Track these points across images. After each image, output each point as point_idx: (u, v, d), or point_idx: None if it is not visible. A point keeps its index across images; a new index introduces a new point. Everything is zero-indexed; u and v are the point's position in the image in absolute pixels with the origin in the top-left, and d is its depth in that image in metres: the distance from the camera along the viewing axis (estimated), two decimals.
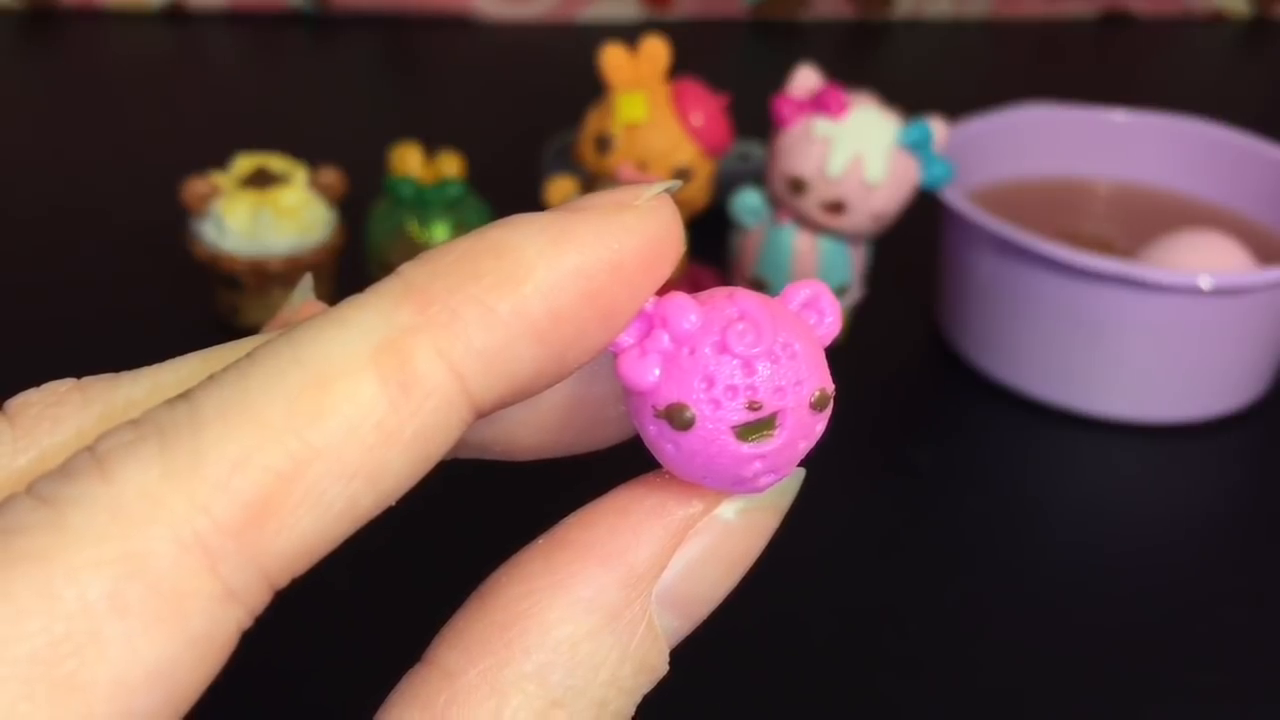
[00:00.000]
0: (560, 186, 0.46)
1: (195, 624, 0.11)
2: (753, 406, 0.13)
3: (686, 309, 0.14)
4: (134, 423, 0.12)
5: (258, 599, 0.12)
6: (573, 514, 0.14)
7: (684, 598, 0.14)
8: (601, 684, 0.13)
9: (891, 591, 0.38)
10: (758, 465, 0.14)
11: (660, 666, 0.14)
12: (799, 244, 0.44)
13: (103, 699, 0.11)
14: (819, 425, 0.14)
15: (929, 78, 0.77)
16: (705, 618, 0.14)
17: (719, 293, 0.14)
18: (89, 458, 0.11)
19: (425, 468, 0.12)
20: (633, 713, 0.14)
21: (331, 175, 0.49)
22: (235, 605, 0.11)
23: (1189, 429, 0.45)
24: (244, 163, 0.49)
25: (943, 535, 0.40)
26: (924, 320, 0.50)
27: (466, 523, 0.36)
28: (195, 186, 0.47)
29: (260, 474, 0.11)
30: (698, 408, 0.13)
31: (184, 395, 0.12)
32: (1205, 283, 0.41)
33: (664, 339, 0.14)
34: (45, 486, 0.11)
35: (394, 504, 0.13)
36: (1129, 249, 0.47)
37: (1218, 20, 0.86)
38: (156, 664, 0.11)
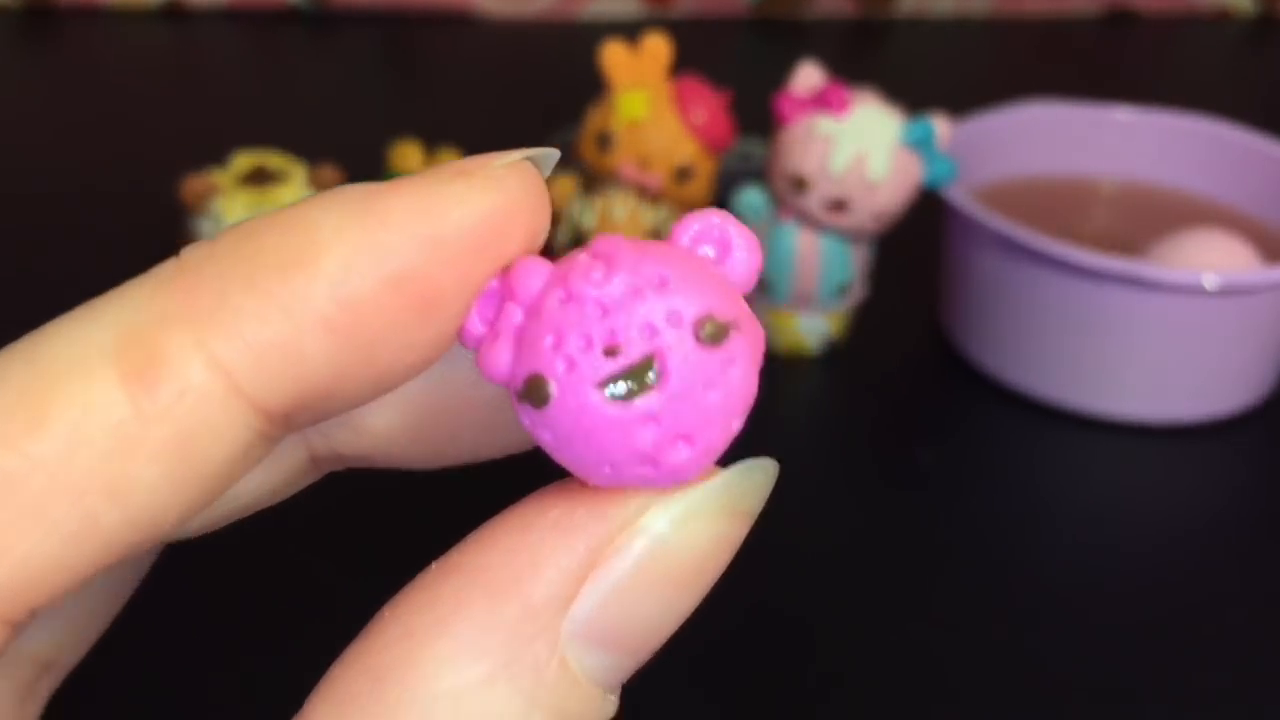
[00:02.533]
0: (561, 186, 0.46)
1: None
2: (611, 351, 0.11)
3: (532, 269, 0.11)
4: None
5: None
6: (471, 534, 0.12)
7: (613, 631, 0.11)
8: None
9: (895, 592, 0.38)
10: (652, 430, 0.11)
11: (588, 713, 0.11)
12: (801, 242, 0.44)
13: None
14: (731, 369, 0.11)
15: (932, 75, 0.77)
16: (652, 650, 0.12)
17: (581, 250, 0.11)
18: None
19: (204, 483, 0.11)
20: None
21: (330, 173, 0.49)
22: None
23: (1196, 429, 0.45)
24: (243, 160, 0.48)
25: (946, 536, 0.40)
26: (927, 319, 0.50)
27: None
28: (194, 184, 0.47)
29: None
30: (552, 373, 0.11)
31: None
32: (1211, 282, 0.40)
33: (515, 313, 0.11)
34: None
35: (188, 534, 0.11)
36: (1134, 248, 0.47)
37: (1223, 18, 0.86)
38: None
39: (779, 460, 0.12)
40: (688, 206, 0.47)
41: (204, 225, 0.47)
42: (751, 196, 0.45)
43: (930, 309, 0.50)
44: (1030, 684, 0.35)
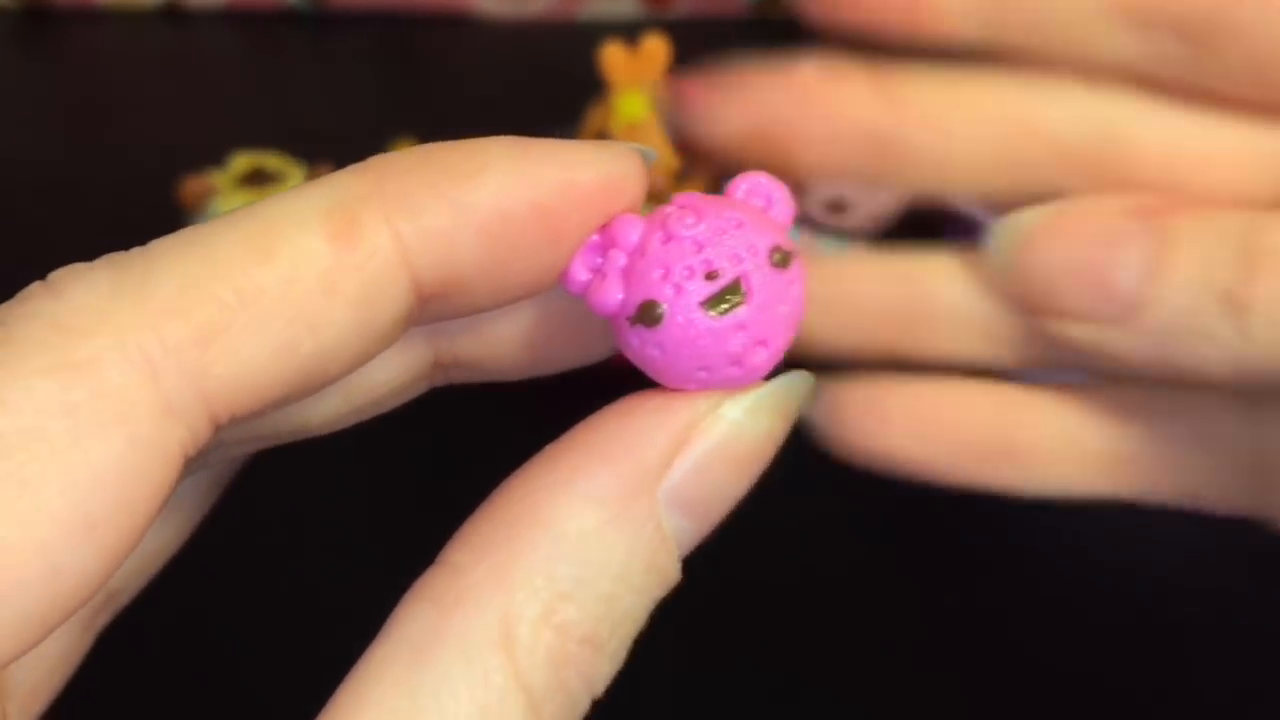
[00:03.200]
0: None
1: (139, 429, 0.11)
2: (711, 276, 0.13)
3: (631, 222, 0.14)
4: (89, 262, 0.12)
5: (198, 422, 0.12)
6: (580, 422, 0.15)
7: (692, 498, 0.14)
8: (610, 579, 0.13)
9: (900, 593, 0.38)
10: (741, 337, 0.14)
11: (669, 569, 0.14)
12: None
13: (54, 494, 0.11)
14: (793, 287, 0.14)
15: None
16: (716, 521, 0.14)
17: (662, 205, 0.15)
18: (41, 284, 0.12)
19: (372, 336, 0.13)
20: (644, 617, 0.14)
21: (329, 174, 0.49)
22: (176, 422, 0.12)
23: None
24: (241, 162, 0.49)
25: (950, 537, 0.40)
26: None
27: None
28: (192, 185, 0.47)
29: (206, 299, 0.12)
30: (663, 298, 0.14)
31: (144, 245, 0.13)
32: None
33: (619, 258, 0.14)
34: None
35: (340, 375, 0.13)
36: None
37: None
38: (104, 465, 0.11)
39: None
40: None
41: None
42: None
43: None
44: (1041, 678, 0.35)
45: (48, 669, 0.17)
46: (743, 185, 0.15)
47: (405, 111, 0.70)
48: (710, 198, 0.14)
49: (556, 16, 0.81)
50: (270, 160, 0.48)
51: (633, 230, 0.14)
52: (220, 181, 0.47)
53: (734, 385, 0.14)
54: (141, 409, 0.11)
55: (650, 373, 0.14)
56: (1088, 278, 0.16)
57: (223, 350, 0.12)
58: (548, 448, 0.14)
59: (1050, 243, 0.17)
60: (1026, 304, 0.17)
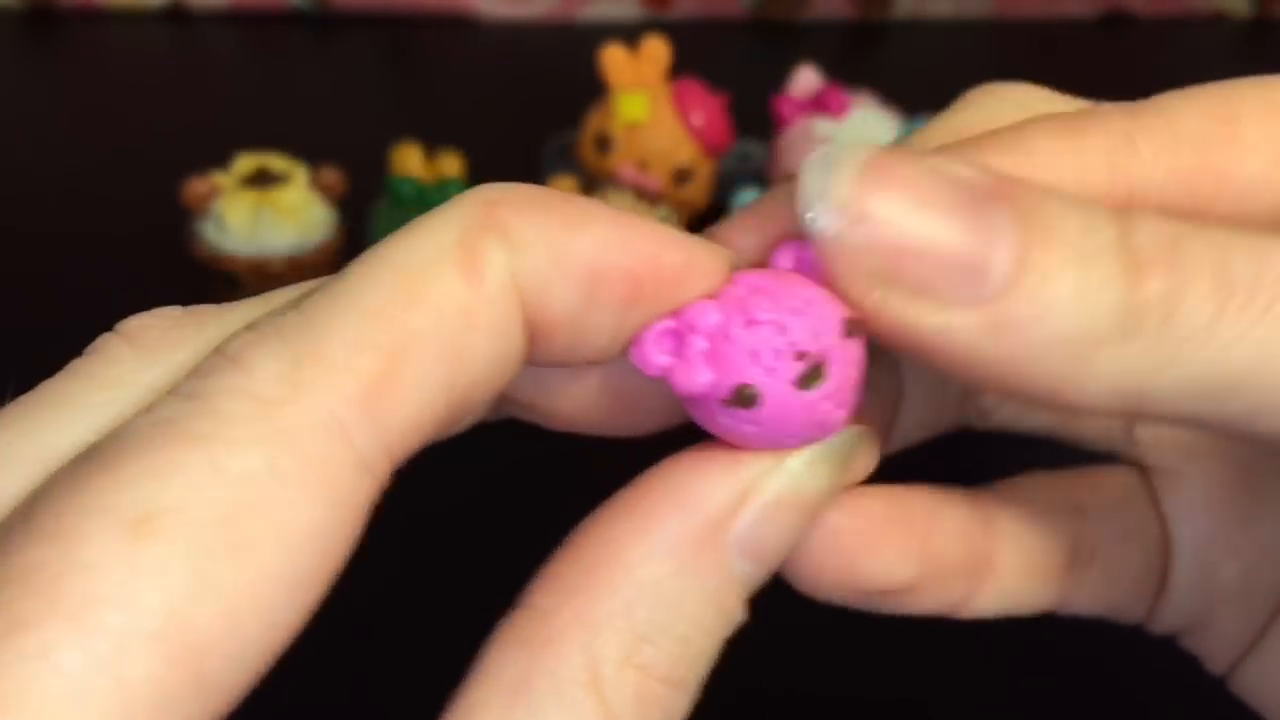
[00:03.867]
0: (561, 187, 0.46)
1: (339, 489, 0.12)
2: (800, 357, 0.14)
3: (707, 308, 0.15)
4: (249, 328, 0.13)
5: (383, 468, 0.13)
6: (649, 470, 0.15)
7: (757, 544, 0.15)
8: (685, 621, 0.14)
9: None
10: (827, 405, 0.15)
11: (736, 610, 0.15)
12: None
13: (271, 556, 0.12)
14: (859, 350, 0.15)
15: (929, 78, 0.77)
16: (778, 564, 0.15)
17: (722, 286, 0.15)
18: (221, 358, 0.13)
19: (506, 366, 0.14)
20: (715, 654, 0.15)
21: (332, 175, 0.49)
22: (366, 474, 0.12)
23: None
24: (244, 162, 0.49)
25: None
26: None
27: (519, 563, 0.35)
28: (196, 186, 0.47)
29: (374, 354, 0.13)
30: (758, 381, 0.14)
31: (288, 305, 0.13)
32: None
33: (698, 342, 0.15)
34: (186, 386, 0.12)
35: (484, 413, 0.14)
36: None
37: (1219, 19, 0.86)
38: (311, 525, 0.12)
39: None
40: (687, 208, 0.47)
41: (206, 227, 0.48)
42: (750, 198, 0.45)
43: None
44: (1052, 675, 0.35)
45: None
46: (787, 255, 0.15)
47: (407, 112, 0.70)
48: (770, 275, 0.15)
49: (557, 18, 0.82)
50: (274, 160, 0.49)
51: (710, 315, 0.15)
52: (224, 181, 0.48)
53: (812, 443, 0.15)
54: (340, 469, 0.12)
55: (738, 444, 0.15)
56: (948, 254, 0.14)
57: (398, 398, 0.13)
58: (621, 494, 0.15)
59: (891, 199, 0.14)
60: (854, 264, 0.14)
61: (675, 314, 0.15)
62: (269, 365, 0.12)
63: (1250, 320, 0.13)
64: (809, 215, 0.14)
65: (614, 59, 0.45)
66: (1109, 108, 0.17)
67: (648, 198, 0.45)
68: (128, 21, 0.78)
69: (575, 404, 0.17)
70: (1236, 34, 0.86)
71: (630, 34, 0.47)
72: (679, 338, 0.15)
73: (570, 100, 0.54)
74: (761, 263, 0.16)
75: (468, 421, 0.16)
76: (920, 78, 0.77)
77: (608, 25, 0.78)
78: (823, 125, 0.42)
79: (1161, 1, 0.85)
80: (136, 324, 0.14)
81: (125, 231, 0.54)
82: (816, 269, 0.15)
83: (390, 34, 0.79)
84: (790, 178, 0.15)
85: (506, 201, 0.14)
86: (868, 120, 0.42)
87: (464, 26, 0.80)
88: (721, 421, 0.15)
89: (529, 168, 0.57)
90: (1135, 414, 0.14)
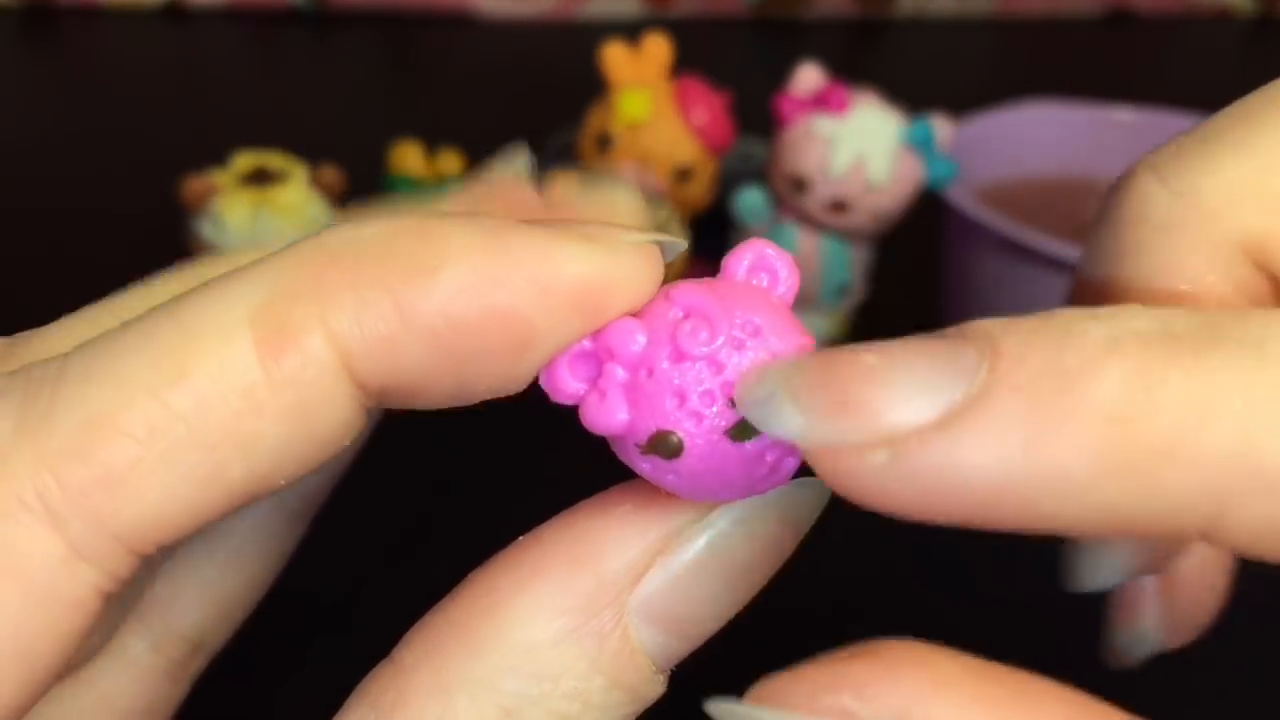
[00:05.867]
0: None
1: (38, 584, 0.11)
2: (733, 403, 0.12)
3: (629, 330, 0.12)
4: (10, 374, 0.11)
5: (115, 562, 0.11)
6: (555, 517, 0.13)
7: (671, 613, 0.13)
8: (562, 695, 0.12)
9: (902, 596, 0.38)
10: (773, 454, 0.12)
11: (640, 686, 0.13)
12: (801, 243, 0.44)
13: None
14: None
15: (932, 76, 0.77)
16: (703, 636, 0.13)
17: (655, 299, 0.12)
18: None
19: (315, 446, 0.12)
20: None
21: (331, 174, 0.49)
22: (85, 566, 0.11)
23: None
24: (243, 161, 0.49)
25: (953, 538, 0.40)
26: (927, 320, 0.50)
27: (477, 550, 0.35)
28: (194, 184, 0.47)
29: (112, 435, 0.11)
30: (681, 428, 0.12)
31: (66, 353, 0.11)
32: None
33: (618, 372, 0.12)
34: None
35: (288, 484, 0.12)
36: None
37: (1222, 17, 0.86)
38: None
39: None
40: (688, 207, 0.47)
41: (204, 225, 0.47)
42: (751, 197, 0.45)
43: (930, 309, 0.50)
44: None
45: None
46: (745, 259, 0.13)
47: (406, 110, 0.70)
48: (713, 289, 0.12)
49: (557, 16, 0.81)
50: (272, 159, 0.48)
51: (629, 341, 0.12)
52: (222, 180, 0.47)
53: (759, 494, 0.13)
54: (38, 560, 0.11)
55: (666, 489, 0.13)
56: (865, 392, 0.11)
57: (132, 489, 0.11)
58: (515, 544, 0.13)
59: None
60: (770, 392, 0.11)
61: (595, 334, 0.12)
62: None
63: None
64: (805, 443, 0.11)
65: (615, 57, 0.45)
66: None
67: (649, 196, 0.45)
68: (126, 20, 0.77)
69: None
70: (1241, 32, 0.86)
71: (631, 31, 0.47)
72: (596, 361, 0.12)
73: (571, 98, 0.54)
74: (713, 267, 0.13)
75: (299, 479, 0.14)
76: (923, 75, 0.77)
77: (608, 23, 0.78)
78: (825, 124, 0.42)
79: None
80: None
81: (123, 229, 0.54)
82: (777, 279, 0.13)
83: (390, 32, 0.79)
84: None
85: (340, 255, 0.12)
86: (870, 119, 0.42)
87: (464, 24, 0.80)
88: (640, 465, 0.12)
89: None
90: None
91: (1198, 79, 0.80)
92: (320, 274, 0.11)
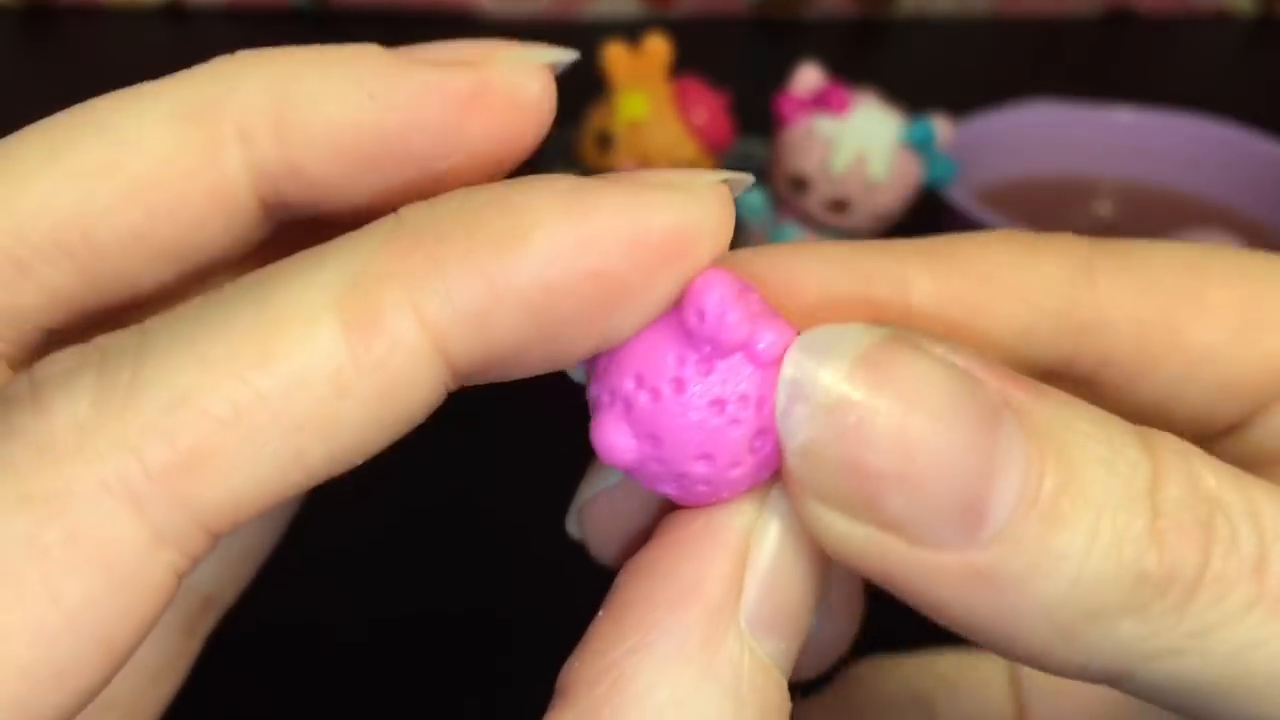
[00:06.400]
0: None
1: (120, 569, 0.10)
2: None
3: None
4: (81, 348, 0.11)
5: (194, 544, 0.11)
6: (621, 574, 0.13)
7: (776, 612, 0.12)
8: None
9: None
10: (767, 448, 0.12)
11: (782, 701, 0.12)
12: (798, 240, 0.44)
13: (23, 645, 0.10)
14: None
15: (932, 76, 0.77)
16: (809, 628, 0.13)
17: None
18: (26, 385, 0.11)
19: (395, 428, 0.11)
20: None
21: None
22: (166, 549, 0.11)
23: None
24: None
25: None
26: None
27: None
28: None
29: (196, 417, 0.10)
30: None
31: (141, 324, 0.11)
32: None
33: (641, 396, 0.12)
34: None
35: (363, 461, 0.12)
36: None
37: (1222, 18, 0.86)
38: (78, 609, 0.10)
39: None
40: None
41: None
42: (752, 197, 0.45)
43: None
44: None
45: (150, 677, 0.16)
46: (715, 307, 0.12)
47: None
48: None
49: (558, 16, 0.81)
50: None
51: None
52: None
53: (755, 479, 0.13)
54: (121, 545, 0.10)
55: (688, 501, 0.13)
56: (941, 488, 0.11)
57: (215, 472, 0.11)
58: (601, 614, 0.12)
59: (885, 409, 0.11)
60: (820, 483, 0.11)
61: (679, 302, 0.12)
62: (65, 406, 0.10)
63: None
64: (782, 408, 0.11)
65: (615, 56, 0.45)
66: (1072, 236, 0.15)
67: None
68: (125, 19, 0.77)
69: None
70: (1241, 32, 0.86)
71: (631, 31, 0.47)
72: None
73: (570, 98, 0.54)
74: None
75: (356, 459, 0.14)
76: (923, 75, 0.77)
77: (609, 22, 0.78)
78: (825, 123, 0.42)
79: None
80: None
81: None
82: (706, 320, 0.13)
83: (388, 32, 0.79)
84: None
85: (425, 232, 0.11)
86: (870, 119, 0.42)
87: (464, 23, 0.80)
88: (665, 488, 0.12)
89: (528, 166, 0.56)
90: (1110, 685, 0.12)
91: (1198, 79, 0.80)
92: (406, 254, 0.11)
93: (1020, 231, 0.15)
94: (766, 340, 0.12)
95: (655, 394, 0.12)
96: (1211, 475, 0.11)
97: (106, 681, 0.11)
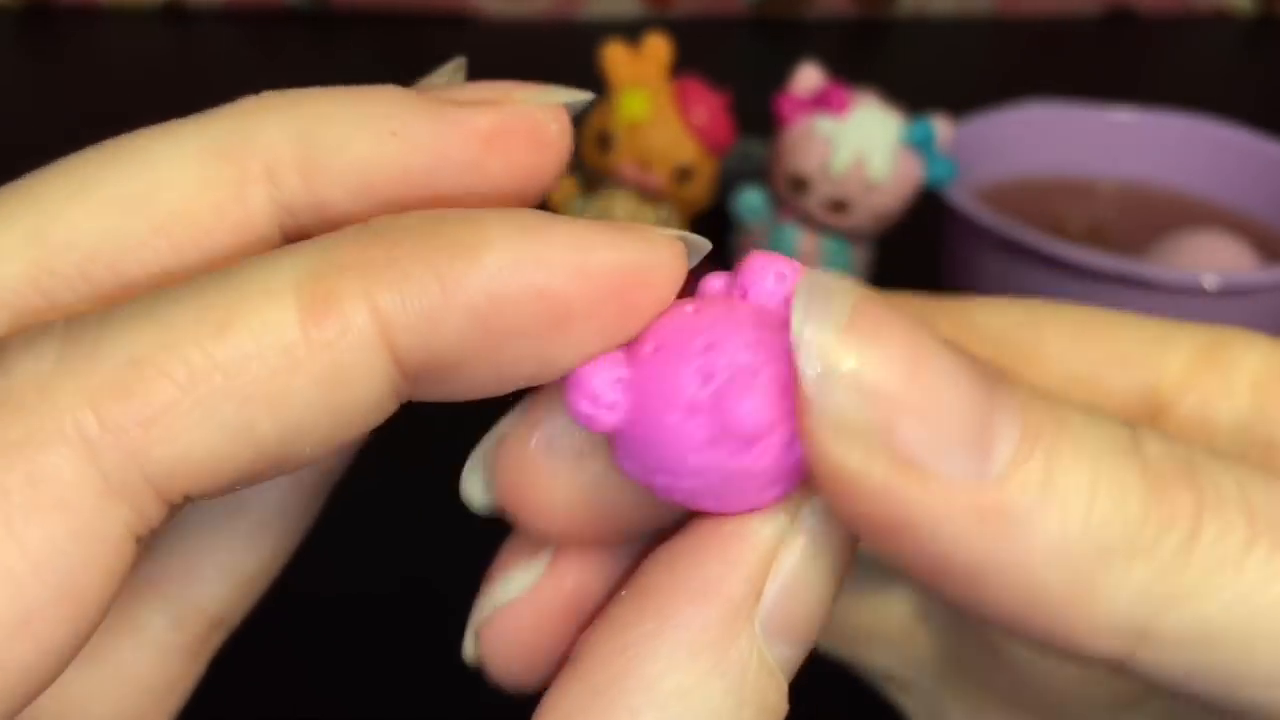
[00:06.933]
0: (561, 187, 0.46)
1: (77, 514, 0.11)
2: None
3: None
4: (50, 321, 0.12)
5: (145, 503, 0.11)
6: (647, 559, 0.13)
7: (790, 620, 0.13)
8: None
9: None
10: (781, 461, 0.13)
11: (780, 705, 0.12)
12: (801, 243, 0.44)
13: None
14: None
15: (932, 76, 0.77)
16: (815, 639, 0.13)
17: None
18: None
19: (344, 418, 0.12)
20: None
21: None
22: (119, 503, 0.11)
23: None
24: None
25: None
26: None
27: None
28: None
29: (153, 374, 0.11)
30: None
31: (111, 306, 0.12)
32: (1210, 282, 0.40)
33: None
34: None
35: (316, 459, 0.12)
36: (1133, 248, 0.47)
37: (1222, 18, 0.86)
38: (41, 553, 0.11)
39: None
40: (688, 206, 0.47)
41: None
42: (752, 197, 0.45)
43: None
44: None
45: (154, 698, 0.17)
46: (714, 284, 0.13)
47: None
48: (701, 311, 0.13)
49: (557, 16, 0.81)
50: None
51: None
52: None
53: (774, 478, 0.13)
54: (80, 493, 0.11)
55: (711, 508, 0.13)
56: (952, 413, 0.11)
57: (166, 430, 0.11)
58: (623, 594, 0.13)
59: (894, 346, 0.12)
60: (839, 412, 0.12)
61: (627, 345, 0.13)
62: (29, 364, 0.11)
63: None
64: (799, 338, 0.12)
65: (615, 57, 0.45)
66: (910, 296, 0.15)
67: (649, 196, 0.45)
68: (125, 20, 0.77)
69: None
70: (1241, 32, 0.86)
71: (631, 31, 0.47)
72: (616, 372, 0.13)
73: None
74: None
75: (327, 458, 0.14)
76: (923, 75, 0.77)
77: (608, 23, 0.78)
78: (825, 123, 0.42)
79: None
80: None
81: None
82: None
83: (389, 31, 0.79)
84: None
85: (385, 233, 0.12)
86: (870, 118, 0.42)
87: (464, 24, 0.80)
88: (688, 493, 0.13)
89: None
90: (1125, 665, 0.12)
91: (1198, 79, 0.80)
92: (366, 249, 0.12)
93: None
94: (770, 281, 0.13)
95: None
96: (1176, 439, 0.12)
97: (74, 645, 0.11)
